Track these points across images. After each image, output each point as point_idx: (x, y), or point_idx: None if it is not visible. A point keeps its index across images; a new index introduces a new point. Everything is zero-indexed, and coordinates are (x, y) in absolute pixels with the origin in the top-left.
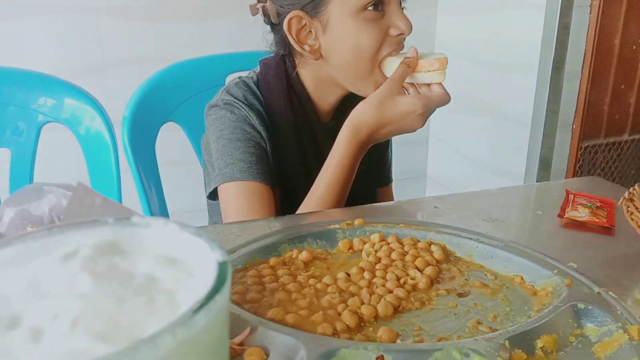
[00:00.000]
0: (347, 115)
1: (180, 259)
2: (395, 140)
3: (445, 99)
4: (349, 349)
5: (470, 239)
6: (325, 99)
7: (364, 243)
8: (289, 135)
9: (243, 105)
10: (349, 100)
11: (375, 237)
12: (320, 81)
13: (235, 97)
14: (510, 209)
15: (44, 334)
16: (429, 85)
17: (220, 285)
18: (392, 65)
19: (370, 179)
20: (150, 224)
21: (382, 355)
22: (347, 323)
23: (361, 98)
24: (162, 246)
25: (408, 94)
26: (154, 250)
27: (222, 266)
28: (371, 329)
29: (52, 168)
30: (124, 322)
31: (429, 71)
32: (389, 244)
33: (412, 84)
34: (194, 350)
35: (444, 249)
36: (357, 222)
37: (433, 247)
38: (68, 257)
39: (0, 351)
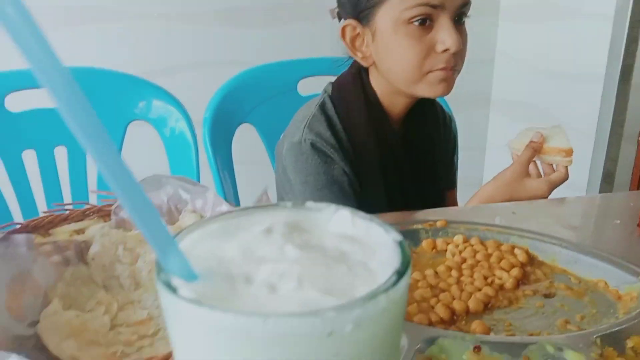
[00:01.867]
0: (414, 122)
1: (358, 238)
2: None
3: (565, 179)
4: (447, 338)
5: (553, 244)
6: (394, 107)
7: (447, 244)
8: (370, 152)
9: (325, 145)
10: (416, 107)
11: (458, 239)
12: (387, 89)
13: (317, 135)
14: (589, 217)
15: (278, 289)
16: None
17: (408, 258)
18: (517, 146)
19: (438, 180)
20: (322, 209)
21: (479, 346)
22: (441, 316)
23: (425, 103)
24: (337, 228)
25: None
26: (331, 231)
27: (401, 244)
28: (463, 322)
29: (135, 164)
30: (337, 283)
31: (554, 155)
32: (472, 245)
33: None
34: (396, 310)
35: (527, 252)
36: (439, 223)
37: (516, 251)
38: (268, 231)
39: (250, 298)
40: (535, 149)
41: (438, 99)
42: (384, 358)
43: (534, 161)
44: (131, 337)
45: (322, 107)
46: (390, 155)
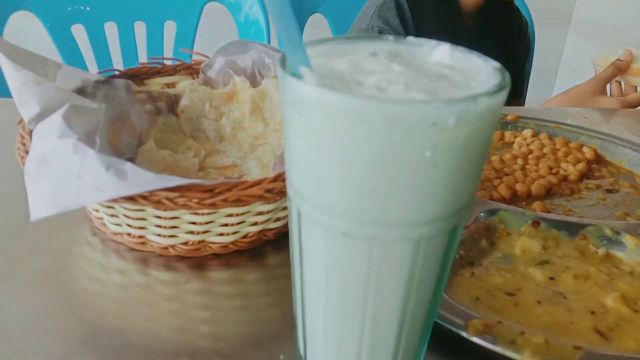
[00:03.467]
0: (486, 18)
1: (457, 67)
2: None
3: None
4: (508, 211)
5: (623, 145)
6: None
7: (515, 137)
8: None
9: (392, 33)
10: (492, 6)
11: (527, 132)
12: None
13: (385, 22)
14: None
15: (386, 90)
16: (635, 87)
17: (508, 79)
18: (602, 63)
19: None
20: (423, 44)
21: (538, 221)
22: (503, 194)
23: (503, 4)
24: (437, 58)
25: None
26: (431, 60)
27: (501, 70)
28: (524, 203)
29: (209, 46)
30: (441, 91)
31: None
32: (540, 140)
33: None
34: (491, 119)
35: (595, 151)
36: (510, 116)
37: (584, 148)
38: (374, 54)
39: (363, 94)
40: (620, 68)
41: (519, 5)
42: (473, 162)
43: (618, 81)
44: (218, 178)
45: None
46: None
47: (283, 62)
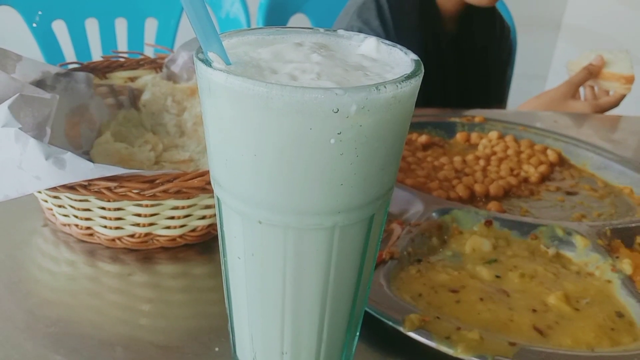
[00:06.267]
0: (467, 23)
1: (380, 59)
2: (516, 71)
3: (614, 106)
4: (461, 210)
5: (587, 149)
6: (447, 4)
7: (482, 138)
8: (415, 45)
9: (371, 33)
10: (472, 13)
11: (493, 134)
12: None
13: (364, 22)
14: (632, 134)
15: (298, 78)
16: (607, 91)
17: (418, 69)
18: (575, 67)
19: (486, 90)
20: (352, 36)
21: (491, 221)
22: (460, 194)
23: (483, 10)
24: (363, 51)
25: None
26: (357, 52)
27: (417, 62)
28: (481, 203)
29: None
30: (352, 81)
31: (612, 81)
32: (505, 142)
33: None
34: (400, 109)
35: (559, 154)
36: (477, 118)
37: (549, 151)
38: (298, 45)
39: (273, 81)
40: (592, 72)
41: (502, 11)
42: (383, 151)
43: (591, 86)
44: None
45: None
46: (437, 53)
47: (199, 50)
